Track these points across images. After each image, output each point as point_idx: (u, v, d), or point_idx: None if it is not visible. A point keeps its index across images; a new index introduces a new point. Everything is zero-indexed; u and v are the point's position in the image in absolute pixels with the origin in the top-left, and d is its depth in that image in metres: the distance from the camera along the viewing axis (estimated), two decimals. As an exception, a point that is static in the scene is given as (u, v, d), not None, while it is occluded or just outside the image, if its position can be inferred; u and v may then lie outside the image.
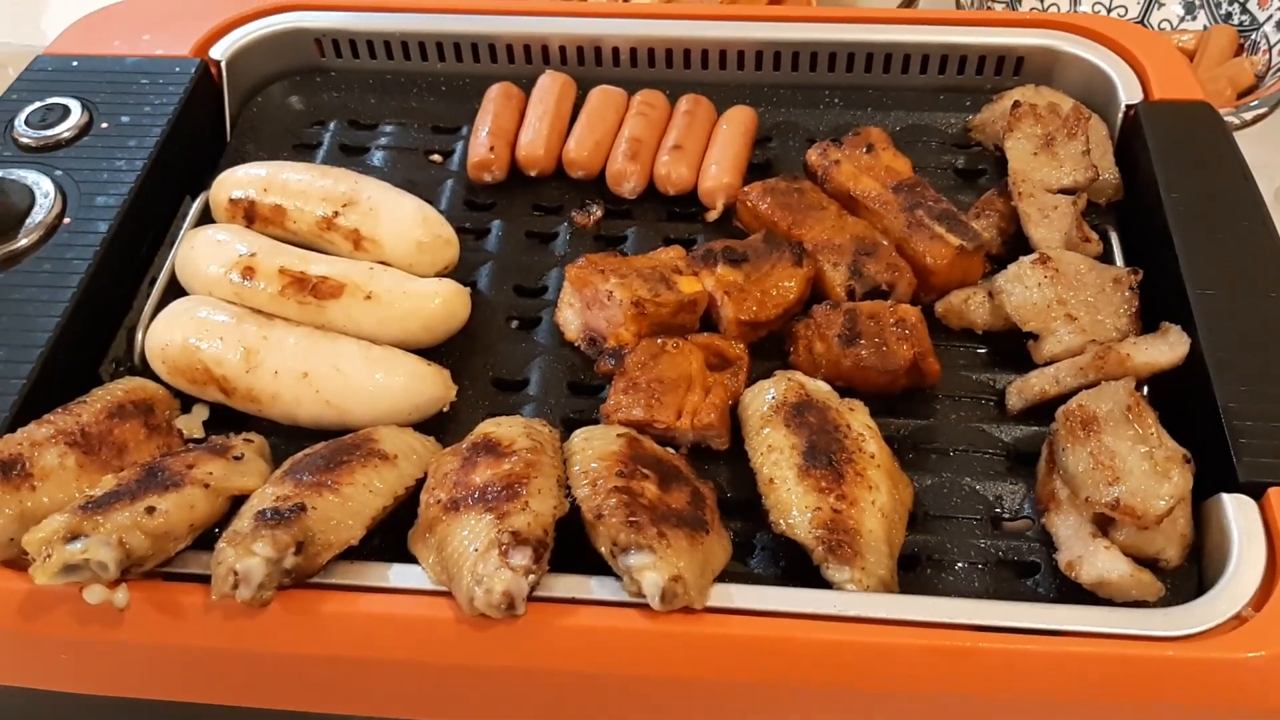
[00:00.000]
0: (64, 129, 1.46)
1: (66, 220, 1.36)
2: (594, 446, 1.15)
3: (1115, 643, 1.00)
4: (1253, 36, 2.05)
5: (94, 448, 1.14)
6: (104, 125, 1.48)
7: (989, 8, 2.17)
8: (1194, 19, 2.15)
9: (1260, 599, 1.02)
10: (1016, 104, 1.50)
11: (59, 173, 1.41)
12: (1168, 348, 1.22)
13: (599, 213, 1.53)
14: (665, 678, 1.03)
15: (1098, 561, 1.07)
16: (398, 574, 1.07)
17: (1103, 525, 1.11)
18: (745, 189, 1.47)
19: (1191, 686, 0.99)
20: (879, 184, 1.44)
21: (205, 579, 1.04)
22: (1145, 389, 1.22)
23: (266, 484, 1.10)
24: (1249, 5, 2.08)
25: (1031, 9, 2.22)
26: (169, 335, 1.27)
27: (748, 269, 1.34)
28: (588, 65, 1.69)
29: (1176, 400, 1.21)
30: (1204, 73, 1.98)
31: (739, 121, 1.58)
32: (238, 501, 1.10)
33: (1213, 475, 1.12)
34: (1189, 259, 1.28)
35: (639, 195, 1.54)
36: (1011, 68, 1.64)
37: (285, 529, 1.01)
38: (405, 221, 1.37)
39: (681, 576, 1.00)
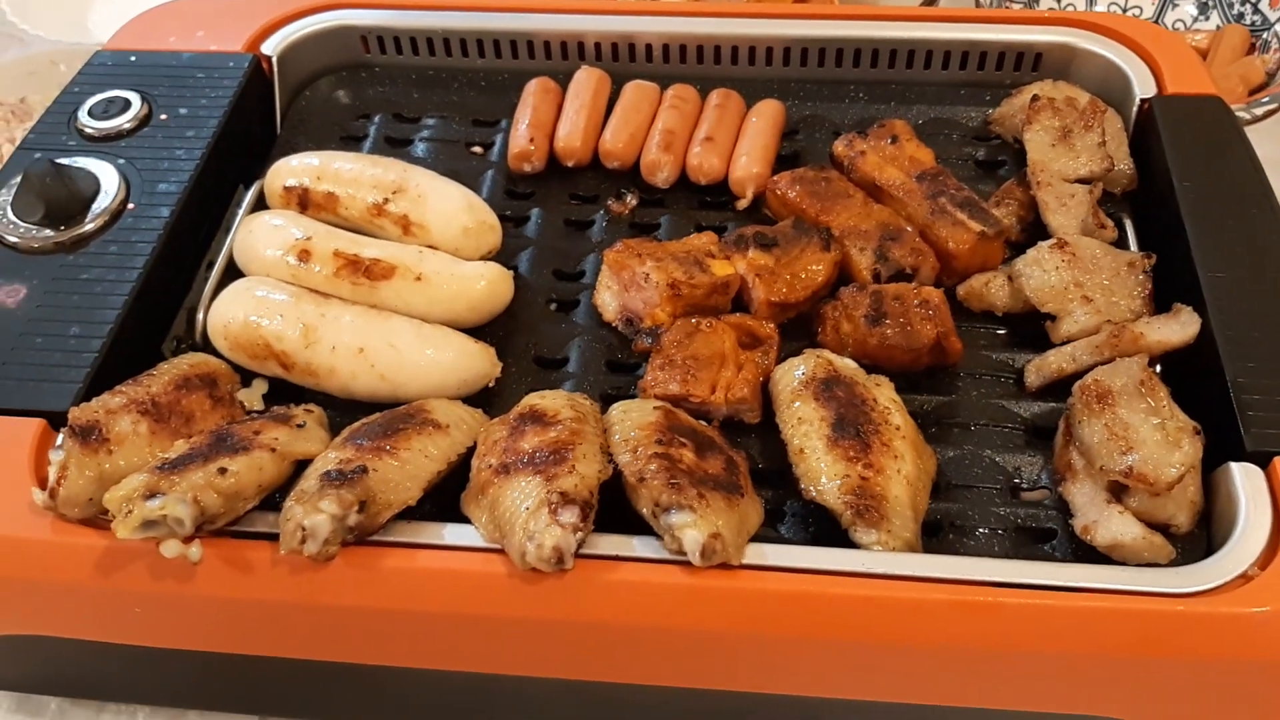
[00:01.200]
0: (125, 120, 1.53)
1: (130, 206, 1.42)
2: (632, 418, 1.20)
3: (1129, 599, 1.04)
4: (1264, 36, 2.10)
5: (164, 416, 1.20)
6: (163, 116, 1.54)
7: (1008, 6, 2.22)
8: (1207, 19, 2.20)
9: (1265, 559, 1.07)
10: (1035, 98, 1.54)
11: (121, 161, 1.48)
12: (1179, 327, 1.27)
13: (634, 201, 1.59)
14: (703, 630, 1.08)
15: (1112, 525, 1.12)
16: (452, 533, 1.12)
17: (1117, 493, 1.15)
18: (775, 178, 1.52)
19: (1200, 639, 1.03)
20: (903, 173, 1.49)
21: (272, 537, 1.09)
22: (1158, 367, 1.27)
23: (329, 449, 1.16)
24: (1260, 6, 2.13)
25: (1049, 8, 2.26)
26: (231, 313, 1.33)
27: (778, 253, 1.40)
28: (622, 61, 1.74)
29: (1187, 377, 1.25)
30: (1216, 70, 2.02)
31: (768, 114, 1.63)
32: (299, 468, 1.16)
33: (1222, 446, 1.16)
34: (1200, 244, 1.33)
35: (672, 185, 1.59)
36: (1030, 63, 1.68)
37: (349, 488, 1.07)
38: (452, 208, 1.43)
39: (720, 534, 1.05)
